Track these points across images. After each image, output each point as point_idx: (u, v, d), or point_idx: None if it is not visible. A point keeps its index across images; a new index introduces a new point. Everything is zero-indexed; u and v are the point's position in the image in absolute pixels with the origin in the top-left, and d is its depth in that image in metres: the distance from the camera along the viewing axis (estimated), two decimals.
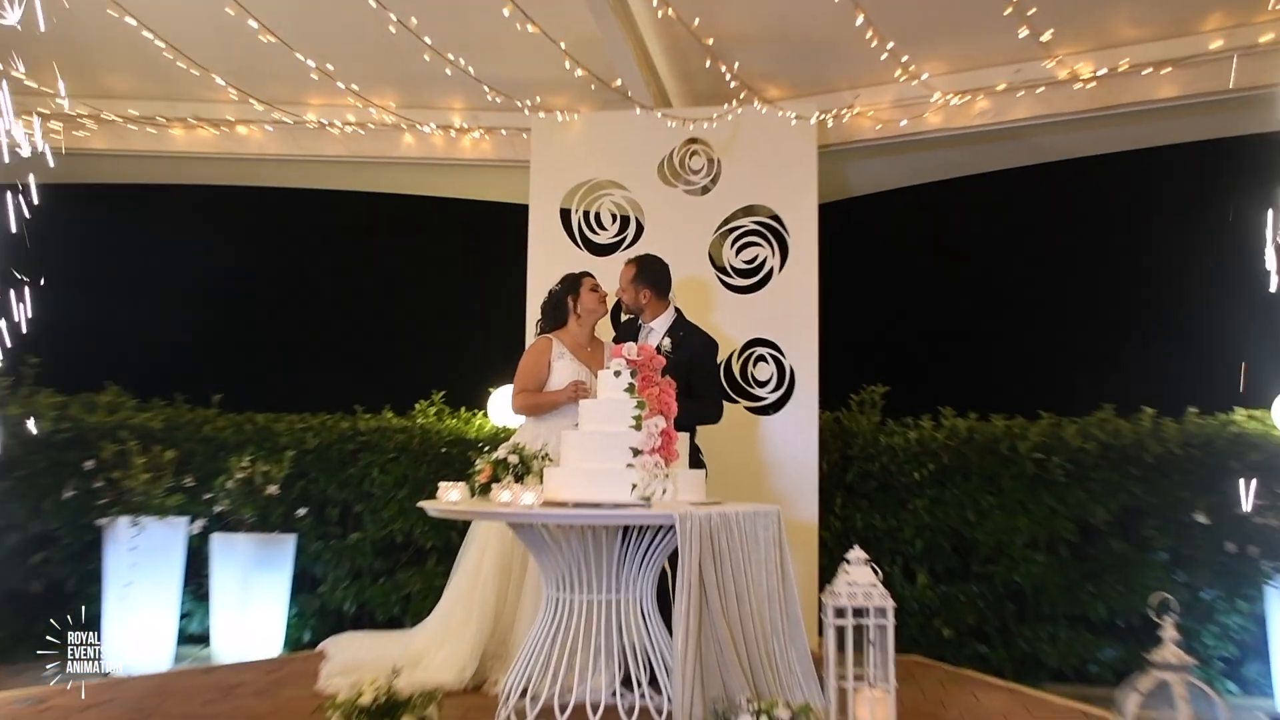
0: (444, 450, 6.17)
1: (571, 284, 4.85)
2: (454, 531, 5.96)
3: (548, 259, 5.83)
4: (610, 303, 4.88)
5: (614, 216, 5.96)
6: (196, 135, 6.38)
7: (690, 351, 4.60)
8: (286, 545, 5.80)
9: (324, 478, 6.18)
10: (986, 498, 5.76)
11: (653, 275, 4.72)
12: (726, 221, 5.89)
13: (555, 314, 4.85)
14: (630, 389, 3.83)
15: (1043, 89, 5.51)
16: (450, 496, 3.91)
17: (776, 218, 5.84)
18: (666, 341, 4.62)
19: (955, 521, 5.79)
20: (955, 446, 5.85)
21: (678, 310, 4.79)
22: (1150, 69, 5.28)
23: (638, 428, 3.73)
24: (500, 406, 6.32)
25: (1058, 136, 5.89)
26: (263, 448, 6.15)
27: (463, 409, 6.50)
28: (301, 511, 6.01)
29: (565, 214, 5.97)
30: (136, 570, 5.45)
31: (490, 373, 6.42)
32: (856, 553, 3.96)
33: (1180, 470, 5.46)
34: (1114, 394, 5.84)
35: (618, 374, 3.86)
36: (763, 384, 5.73)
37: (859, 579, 3.76)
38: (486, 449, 4.15)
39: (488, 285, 7.48)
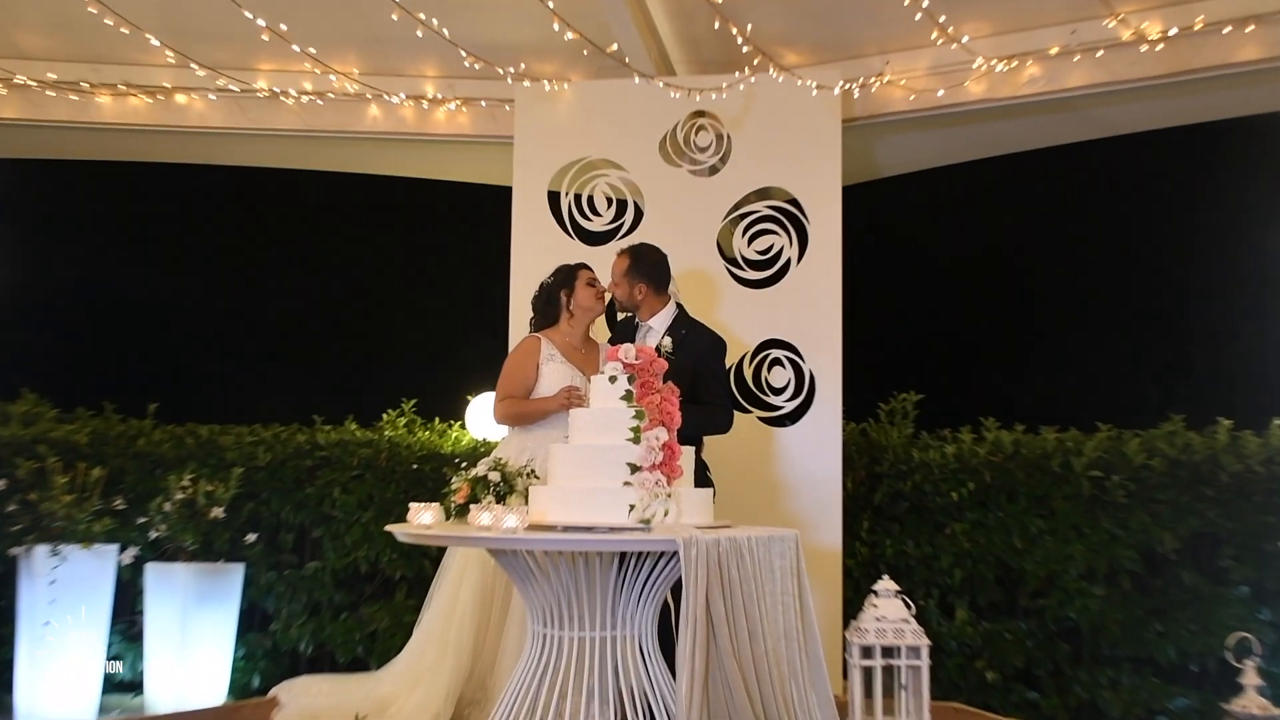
0: (415, 467, 6.22)
1: (565, 277, 4.89)
2: (427, 560, 6.02)
3: (534, 249, 5.85)
4: (609, 298, 4.94)
5: (609, 200, 5.98)
6: (127, 104, 6.37)
7: (694, 352, 4.64)
8: (233, 576, 5.82)
9: (277, 499, 6.22)
10: (1036, 522, 5.78)
11: (649, 267, 4.76)
12: (738, 206, 5.91)
13: (547, 310, 4.90)
14: (627, 397, 3.87)
15: (1102, 52, 5.50)
16: (422, 519, 3.95)
17: (795, 202, 5.84)
18: (667, 341, 4.66)
19: (1000, 549, 5.82)
20: (999, 463, 5.88)
21: (679, 306, 4.84)
22: (1229, 27, 5.25)
23: (636, 441, 3.77)
24: (480, 417, 6.38)
25: (1119, 108, 5.90)
26: (206, 464, 6.18)
27: (437, 420, 6.54)
28: (251, 537, 6.02)
29: (554, 197, 5.99)
30: (56, 607, 5.42)
31: (468, 379, 6.46)
32: (886, 584, 3.98)
33: (1262, 491, 5.42)
34: (1185, 403, 5.84)
35: (613, 380, 3.90)
36: (778, 391, 5.75)
37: (889, 614, 3.79)
38: (464, 465, 4.20)
39: (465, 279, 7.51)
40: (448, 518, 4.05)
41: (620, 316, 5.04)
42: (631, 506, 3.67)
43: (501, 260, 5.92)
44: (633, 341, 4.65)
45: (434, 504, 4.03)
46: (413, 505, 4.01)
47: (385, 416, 6.47)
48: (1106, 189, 7.32)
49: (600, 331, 5.12)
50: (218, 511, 5.79)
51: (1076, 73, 5.61)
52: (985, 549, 5.83)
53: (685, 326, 4.74)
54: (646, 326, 4.78)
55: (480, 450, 6.16)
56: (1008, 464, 5.86)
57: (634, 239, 5.48)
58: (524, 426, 4.75)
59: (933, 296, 7.63)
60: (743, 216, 5.91)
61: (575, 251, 5.72)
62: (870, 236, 6.49)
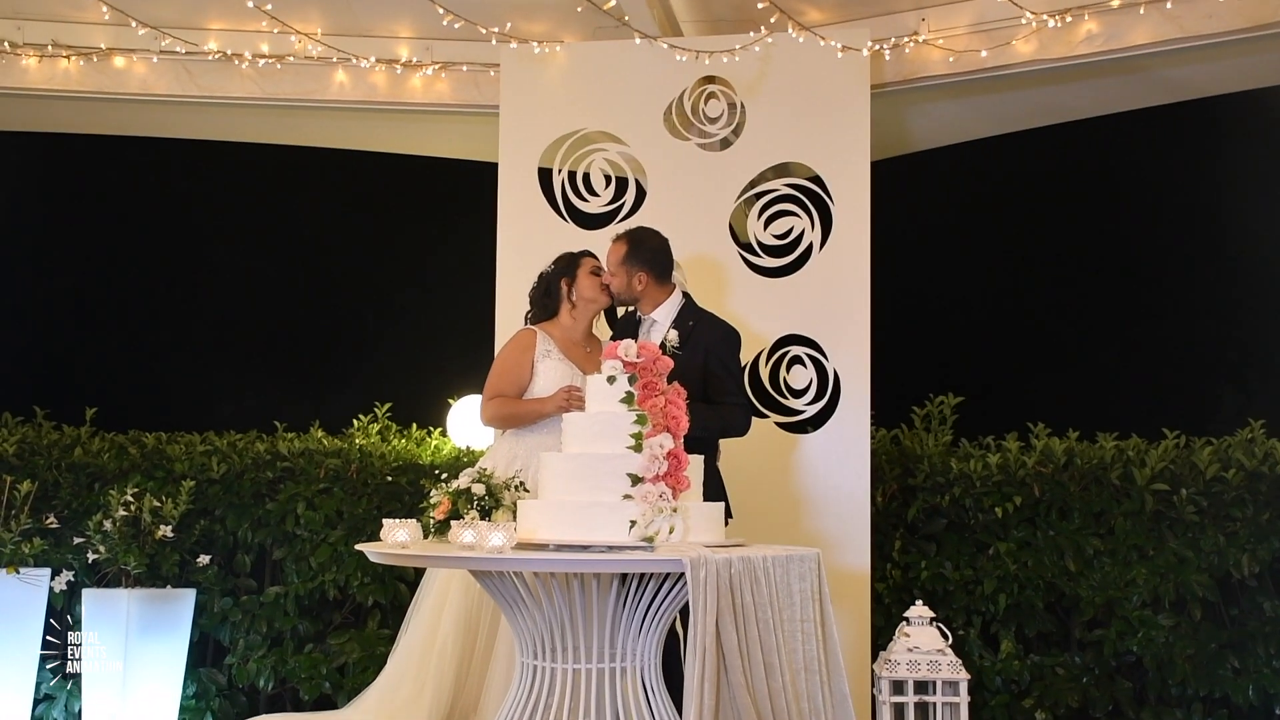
0: (390, 479, 6.27)
1: (568, 265, 4.96)
2: (403, 584, 6.07)
3: (523, 233, 5.86)
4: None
5: (608, 179, 5.97)
6: (56, 68, 6.32)
7: (704, 346, 4.69)
8: (183, 603, 5.81)
9: (233, 516, 6.23)
10: (1092, 542, 5.78)
11: (648, 253, 4.82)
12: (753, 184, 5.92)
13: (545, 302, 4.97)
14: (628, 399, 3.92)
15: (1170, 4, 5.43)
16: (397, 537, 3.98)
17: (817, 179, 5.83)
18: (673, 335, 4.72)
19: (1050, 572, 5.80)
20: (1050, 475, 5.87)
21: (686, 295, 4.88)
22: None
23: (638, 449, 3.82)
24: (464, 422, 6.42)
25: (1191, 68, 5.85)
26: (152, 477, 6.18)
27: (414, 426, 6.56)
28: (203, 560, 6.04)
29: (545, 175, 5.99)
30: None
31: (449, 380, 6.49)
32: (920, 610, 4.06)
33: None
34: (1265, 407, 5.81)
35: (612, 380, 3.94)
36: (799, 393, 5.76)
37: (923, 644, 3.88)
38: (444, 477, 4.23)
39: (446, 268, 7.51)
40: (426, 536, 4.07)
41: (621, 313, 5.10)
42: (633, 523, 3.71)
43: (486, 246, 5.92)
44: (635, 338, 4.69)
45: (411, 520, 4.06)
46: (386, 522, 4.04)
47: (356, 423, 6.49)
48: (1174, 162, 7.29)
49: (601, 331, 5.16)
50: (165, 530, 5.80)
51: (1141, 28, 5.59)
52: (1034, 572, 5.80)
53: (693, 318, 4.79)
54: (650, 320, 4.83)
55: (463, 460, 6.19)
56: (1059, 476, 5.86)
57: (636, 222, 5.50)
58: (515, 431, 4.81)
59: (974, 286, 7.61)
60: (759, 196, 5.91)
61: (569, 236, 5.72)
62: (903, 219, 6.46)
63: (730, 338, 4.80)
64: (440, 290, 7.66)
